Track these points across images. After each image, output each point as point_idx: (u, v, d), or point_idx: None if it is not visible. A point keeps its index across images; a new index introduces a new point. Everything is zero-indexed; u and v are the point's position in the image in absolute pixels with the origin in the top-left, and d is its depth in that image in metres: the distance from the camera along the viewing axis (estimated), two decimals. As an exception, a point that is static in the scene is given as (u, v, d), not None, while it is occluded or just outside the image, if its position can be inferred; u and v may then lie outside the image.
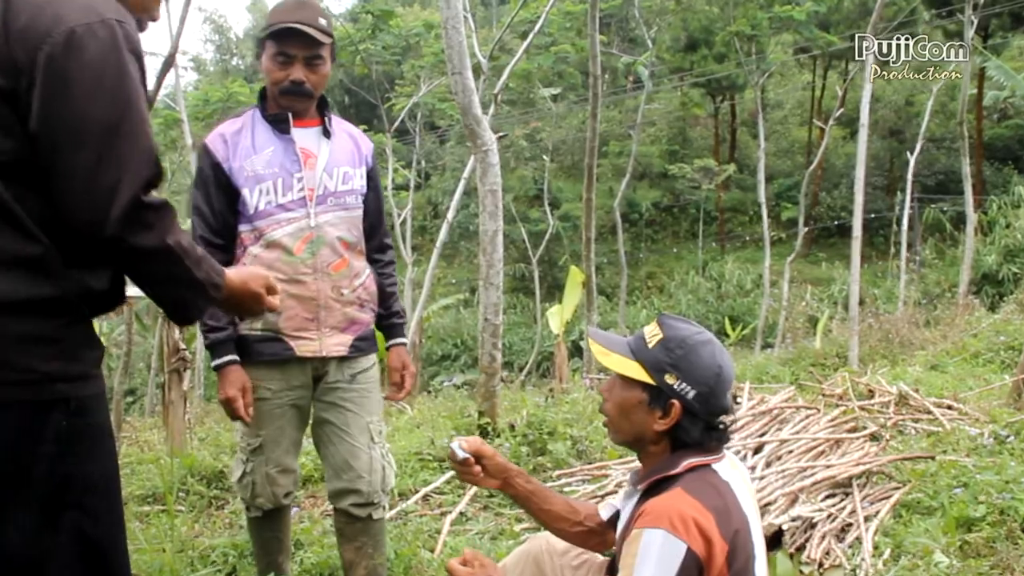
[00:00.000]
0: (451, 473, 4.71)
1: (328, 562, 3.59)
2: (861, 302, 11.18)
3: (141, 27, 1.76)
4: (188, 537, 3.93)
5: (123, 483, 1.77)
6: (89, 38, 1.57)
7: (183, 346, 5.98)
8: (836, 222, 28.87)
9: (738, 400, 6.46)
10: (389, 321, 3.26)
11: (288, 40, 2.87)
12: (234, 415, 2.94)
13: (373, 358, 3.19)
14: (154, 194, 1.64)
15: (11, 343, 1.56)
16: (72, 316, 1.64)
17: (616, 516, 2.33)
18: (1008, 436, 5.20)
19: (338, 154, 3.03)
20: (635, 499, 2.09)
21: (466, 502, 4.39)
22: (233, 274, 1.87)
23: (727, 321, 20.47)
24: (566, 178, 29.93)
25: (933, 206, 25.95)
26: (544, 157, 23.96)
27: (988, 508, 3.50)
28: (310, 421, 3.17)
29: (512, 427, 5.12)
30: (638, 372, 2.01)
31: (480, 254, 4.94)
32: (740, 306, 23.32)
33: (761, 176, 20.24)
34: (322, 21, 2.90)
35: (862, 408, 6.15)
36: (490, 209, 4.80)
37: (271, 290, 1.97)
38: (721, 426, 2.04)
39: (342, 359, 3.06)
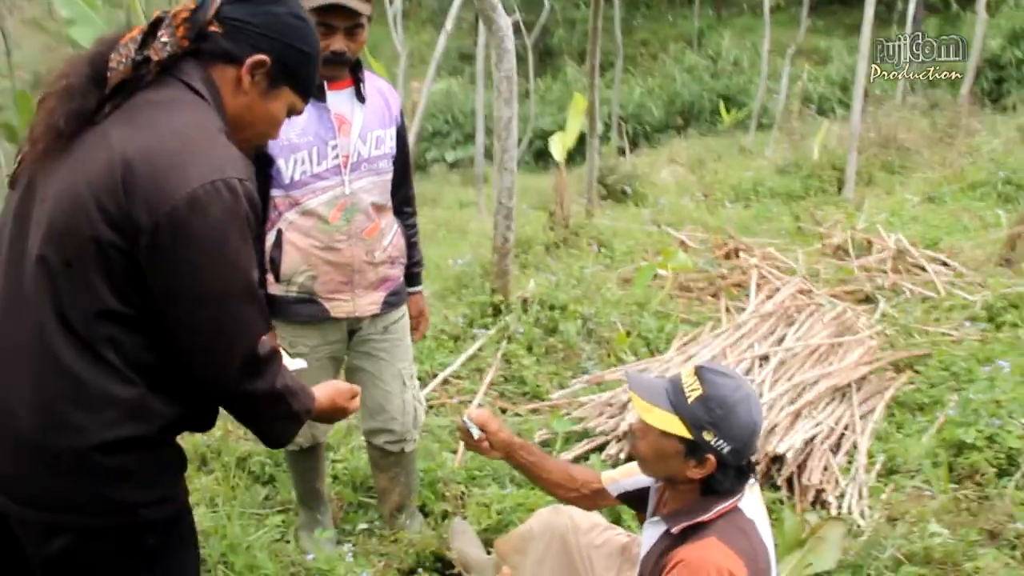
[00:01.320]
0: (468, 355, 4.91)
1: (358, 471, 3.81)
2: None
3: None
4: (222, 441, 4.12)
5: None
6: (213, 198, 1.57)
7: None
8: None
9: (741, 253, 6.61)
10: (411, 271, 3.33)
11: (331, 12, 2.75)
12: None
13: (403, 307, 3.29)
14: (265, 340, 1.70)
15: (99, 478, 1.65)
16: (158, 449, 1.72)
17: (624, 496, 2.53)
18: (1002, 309, 5.40)
19: (371, 118, 2.97)
20: (660, 530, 2.25)
21: (484, 391, 4.60)
22: (321, 395, 1.95)
23: (722, 103, 20.11)
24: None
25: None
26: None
27: (978, 434, 3.72)
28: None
29: (524, 302, 5.26)
30: (678, 427, 2.12)
31: (495, 140, 4.90)
32: (735, 85, 22.72)
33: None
34: None
35: (861, 267, 6.34)
36: (505, 96, 4.72)
37: (354, 395, 2.07)
38: (748, 466, 2.19)
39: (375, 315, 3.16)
